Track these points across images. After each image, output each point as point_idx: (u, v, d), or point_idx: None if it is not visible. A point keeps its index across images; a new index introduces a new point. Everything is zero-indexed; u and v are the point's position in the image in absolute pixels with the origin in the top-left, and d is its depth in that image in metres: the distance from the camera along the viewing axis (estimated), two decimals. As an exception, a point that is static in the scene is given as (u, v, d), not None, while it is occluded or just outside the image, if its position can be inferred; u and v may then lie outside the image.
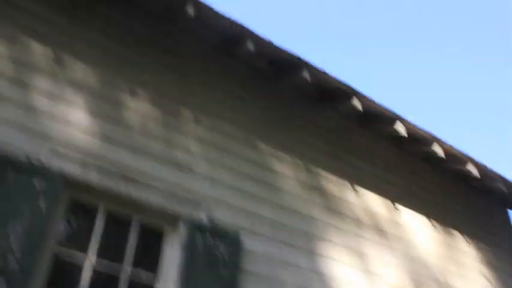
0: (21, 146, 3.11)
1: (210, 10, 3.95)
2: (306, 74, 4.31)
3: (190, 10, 3.88)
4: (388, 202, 4.94)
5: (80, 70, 3.65)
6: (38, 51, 3.53)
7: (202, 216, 3.61)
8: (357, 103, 4.52)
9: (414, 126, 4.78)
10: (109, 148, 3.48)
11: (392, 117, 4.72)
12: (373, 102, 4.62)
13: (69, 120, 3.40)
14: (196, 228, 3.51)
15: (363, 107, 4.62)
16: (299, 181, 4.38)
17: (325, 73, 4.40)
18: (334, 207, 4.46)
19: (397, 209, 4.96)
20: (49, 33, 3.65)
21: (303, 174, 4.45)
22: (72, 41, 3.72)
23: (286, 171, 4.36)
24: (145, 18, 4.19)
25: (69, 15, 3.80)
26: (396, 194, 5.06)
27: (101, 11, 3.99)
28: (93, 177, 3.29)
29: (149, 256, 3.44)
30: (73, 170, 3.23)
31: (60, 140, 3.28)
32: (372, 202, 4.80)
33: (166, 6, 4.11)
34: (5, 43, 3.41)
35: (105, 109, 3.62)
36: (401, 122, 4.72)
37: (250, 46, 4.10)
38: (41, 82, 3.43)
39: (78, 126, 3.42)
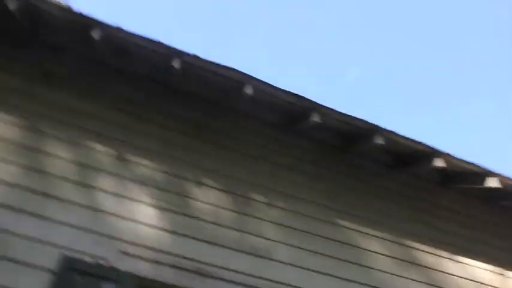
0: (88, 248, 2.94)
1: (268, 87, 3.80)
2: (379, 140, 4.00)
3: (249, 90, 3.74)
4: (497, 268, 4.35)
5: (143, 166, 3.53)
6: (101, 151, 3.46)
7: (290, 308, 3.25)
8: (439, 163, 4.12)
9: (508, 178, 4.29)
10: (181, 243, 3.25)
11: (482, 173, 4.26)
12: (457, 159, 4.20)
13: (136, 218, 3.23)
14: (285, 321, 3.15)
15: (447, 167, 4.20)
16: (390, 256, 3.95)
17: (400, 136, 4.07)
18: (435, 283, 3.95)
19: (509, 276, 4.36)
20: (110, 133, 3.59)
21: (393, 248, 4.02)
22: (133, 138, 3.64)
23: (374, 247, 3.94)
24: (203, 106, 4.08)
25: (128, 114, 3.76)
26: (503, 258, 4.47)
27: (158, 105, 3.92)
28: (168, 276, 3.04)
29: None
30: (145, 269, 3.01)
31: (129, 240, 3.10)
32: (477, 271, 4.24)
33: (223, 91, 4.00)
34: (69, 148, 3.38)
35: (173, 202, 3.44)
36: (492, 176, 4.25)
37: (316, 118, 3.87)
38: (105, 182, 3.32)
39: (147, 223, 3.24)
